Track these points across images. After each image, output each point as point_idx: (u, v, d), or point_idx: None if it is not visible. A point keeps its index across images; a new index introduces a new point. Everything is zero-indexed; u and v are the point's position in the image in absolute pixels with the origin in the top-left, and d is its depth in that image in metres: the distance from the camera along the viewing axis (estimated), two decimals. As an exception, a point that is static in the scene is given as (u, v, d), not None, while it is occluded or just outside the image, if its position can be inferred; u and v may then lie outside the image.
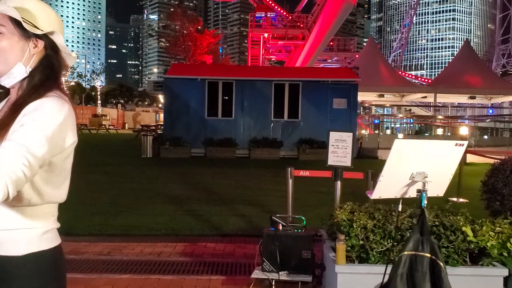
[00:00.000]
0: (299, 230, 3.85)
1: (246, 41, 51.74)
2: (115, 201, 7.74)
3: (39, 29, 1.37)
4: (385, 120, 30.61)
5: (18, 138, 1.21)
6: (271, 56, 40.89)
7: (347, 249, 3.10)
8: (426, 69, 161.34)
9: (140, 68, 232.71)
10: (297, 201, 6.42)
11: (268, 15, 36.34)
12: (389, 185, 2.15)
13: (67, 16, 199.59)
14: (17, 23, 1.34)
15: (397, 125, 31.30)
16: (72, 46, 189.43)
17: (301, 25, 35.07)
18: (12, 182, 1.13)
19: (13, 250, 1.33)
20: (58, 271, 1.44)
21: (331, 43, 36.21)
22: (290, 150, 16.35)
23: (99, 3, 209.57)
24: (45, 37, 1.40)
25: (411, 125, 30.29)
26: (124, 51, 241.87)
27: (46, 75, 1.39)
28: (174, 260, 4.64)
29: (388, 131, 30.66)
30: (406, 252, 2.13)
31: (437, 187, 2.25)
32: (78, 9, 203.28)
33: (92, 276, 4.12)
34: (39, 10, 1.40)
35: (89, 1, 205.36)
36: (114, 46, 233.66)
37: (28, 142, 1.20)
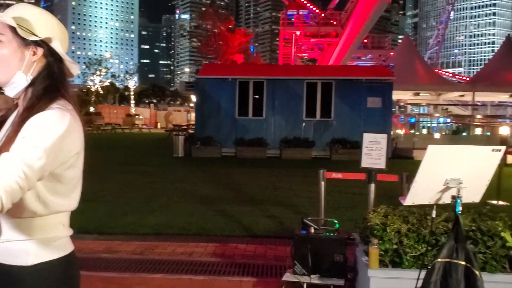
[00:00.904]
0: (332, 233, 3.80)
1: (277, 39, 51.65)
2: (148, 200, 7.85)
3: (36, 35, 1.37)
4: (421, 119, 29.97)
5: (17, 150, 1.22)
6: (303, 54, 40.58)
7: (381, 253, 3.04)
8: (464, 66, 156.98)
9: (172, 68, 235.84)
10: (329, 202, 6.36)
11: (300, 12, 36.13)
12: (422, 191, 2.09)
13: (101, 17, 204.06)
14: (15, 31, 1.36)
15: (434, 125, 30.58)
16: (106, 46, 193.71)
17: (334, 23, 34.69)
18: (6, 193, 1.14)
19: (22, 260, 1.35)
20: (68, 280, 1.44)
21: (365, 41, 35.64)
22: (322, 150, 16.19)
23: (132, 3, 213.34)
24: (45, 44, 1.40)
25: (448, 124, 29.53)
26: (156, 51, 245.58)
27: (48, 84, 1.40)
28: (205, 261, 4.67)
29: (424, 131, 30.01)
30: (439, 259, 2.07)
31: (473, 193, 2.17)
32: (111, 9, 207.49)
33: (125, 275, 4.18)
34: (38, 18, 1.41)
35: (122, 2, 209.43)
36: (146, 46, 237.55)
37: (26, 154, 1.21)
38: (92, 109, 51.49)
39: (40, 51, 1.40)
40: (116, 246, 5.11)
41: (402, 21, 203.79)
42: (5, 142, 1.30)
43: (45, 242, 1.37)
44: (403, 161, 13.56)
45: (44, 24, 1.40)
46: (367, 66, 26.93)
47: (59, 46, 1.41)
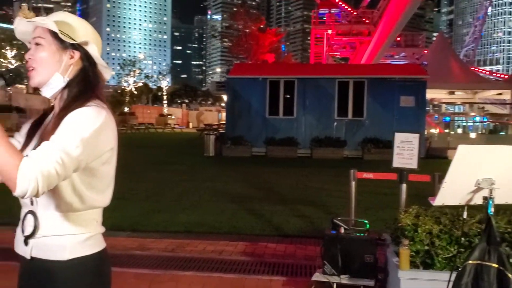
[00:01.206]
0: (362, 234, 3.77)
1: (309, 38, 51.30)
2: (179, 199, 7.97)
3: (74, 40, 1.46)
4: (456, 118, 29.26)
5: (55, 139, 1.29)
6: (335, 53, 40.27)
7: (412, 254, 3.00)
8: (503, 64, 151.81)
9: (204, 68, 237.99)
10: (360, 202, 6.28)
11: (332, 11, 35.89)
12: (452, 191, 2.04)
13: (134, 19, 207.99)
14: (54, 35, 1.44)
15: (469, 124, 29.80)
16: (139, 47, 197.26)
17: (367, 21, 34.28)
18: (43, 177, 1.20)
19: (58, 255, 1.40)
20: (101, 276, 1.49)
21: (398, 39, 35.05)
22: (354, 149, 16.04)
23: (165, 5, 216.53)
24: (81, 49, 1.48)
25: (485, 123, 28.73)
26: (188, 51, 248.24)
27: (84, 86, 1.47)
28: (236, 259, 4.70)
29: (460, 130, 29.29)
30: (471, 262, 2.02)
31: (506, 194, 2.11)
32: (145, 11, 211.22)
33: (157, 272, 4.26)
34: (76, 24, 1.49)
35: (155, 3, 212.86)
36: (179, 47, 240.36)
37: (64, 142, 1.28)
38: (126, 109, 52.63)
39: (77, 54, 1.47)
40: (149, 244, 5.21)
41: (436, 18, 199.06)
42: (45, 135, 1.37)
43: (80, 238, 1.43)
44: (437, 161, 13.26)
45: (82, 29, 1.49)
46: (400, 64, 26.51)
47: (95, 49, 1.49)
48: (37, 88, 1.49)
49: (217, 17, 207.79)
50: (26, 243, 1.42)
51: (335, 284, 3.64)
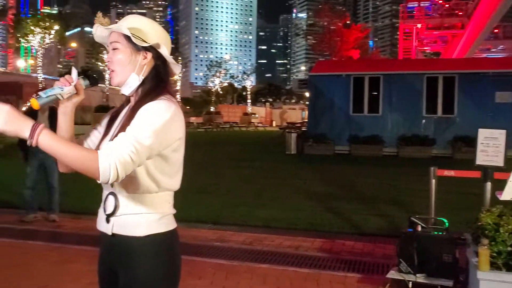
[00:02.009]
0: (440, 232, 3.63)
1: (397, 33, 49.51)
2: (259, 194, 8.15)
3: (146, 42, 1.60)
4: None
5: (130, 130, 1.46)
6: (425, 48, 38.55)
7: (493, 255, 2.84)
8: None
9: (288, 66, 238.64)
10: (445, 202, 6.03)
11: (422, 4, 34.42)
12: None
13: (221, 21, 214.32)
14: (128, 39, 1.60)
15: None
16: (226, 49, 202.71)
17: (460, 13, 32.37)
18: (120, 164, 1.38)
19: (135, 231, 1.57)
20: (173, 251, 1.65)
21: (496, 30, 32.68)
22: (443, 148, 15.24)
23: (251, 6, 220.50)
24: (153, 49, 1.63)
25: None
26: (273, 51, 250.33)
27: (156, 83, 1.62)
28: (312, 255, 4.74)
29: None
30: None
31: None
32: (231, 13, 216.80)
33: (234, 263, 4.43)
34: (147, 27, 1.64)
35: (241, 5, 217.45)
36: (264, 47, 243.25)
37: (137, 133, 1.44)
38: (212, 109, 54.47)
39: (149, 55, 1.63)
40: (228, 236, 5.41)
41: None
42: (121, 127, 1.55)
43: (155, 217, 1.59)
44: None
45: (153, 32, 1.64)
46: (496, 58, 24.72)
47: (166, 50, 1.64)
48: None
49: (302, 15, 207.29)
50: (108, 221, 1.61)
51: (411, 282, 3.55)
